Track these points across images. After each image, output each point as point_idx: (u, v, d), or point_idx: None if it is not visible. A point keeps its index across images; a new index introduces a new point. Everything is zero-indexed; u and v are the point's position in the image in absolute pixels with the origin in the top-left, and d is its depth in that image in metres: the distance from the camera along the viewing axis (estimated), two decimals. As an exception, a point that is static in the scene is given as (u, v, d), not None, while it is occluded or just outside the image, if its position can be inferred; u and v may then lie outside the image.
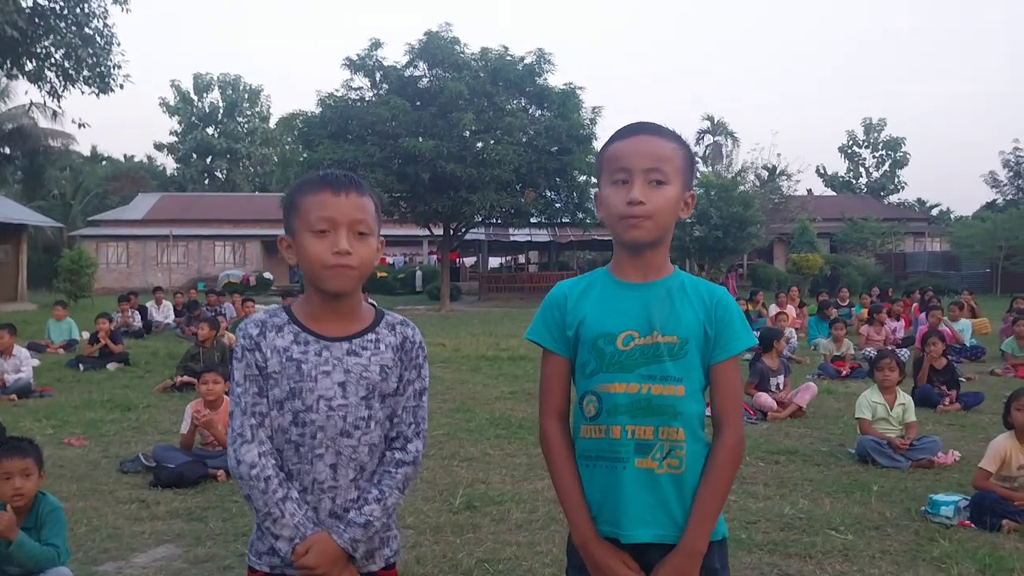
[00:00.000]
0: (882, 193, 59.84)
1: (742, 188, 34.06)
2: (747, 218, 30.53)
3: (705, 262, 32.27)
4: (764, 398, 7.89)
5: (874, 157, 61.67)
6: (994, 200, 55.12)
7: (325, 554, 1.84)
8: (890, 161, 61.16)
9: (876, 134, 61.27)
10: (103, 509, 4.95)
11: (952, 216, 58.55)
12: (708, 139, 52.26)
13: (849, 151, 62.22)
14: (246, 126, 60.56)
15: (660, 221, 1.90)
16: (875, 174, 61.68)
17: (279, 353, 1.90)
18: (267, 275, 38.10)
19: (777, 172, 42.75)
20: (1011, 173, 54.52)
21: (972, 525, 4.54)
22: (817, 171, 62.95)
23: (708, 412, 1.97)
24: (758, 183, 41.62)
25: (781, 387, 8.15)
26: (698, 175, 40.14)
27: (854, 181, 62.01)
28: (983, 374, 10.71)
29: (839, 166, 64.04)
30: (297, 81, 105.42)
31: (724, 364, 1.93)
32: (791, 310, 15.21)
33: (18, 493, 3.51)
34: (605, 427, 1.90)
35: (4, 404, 8.47)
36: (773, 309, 15.53)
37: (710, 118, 52.42)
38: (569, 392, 2.02)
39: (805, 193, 47.67)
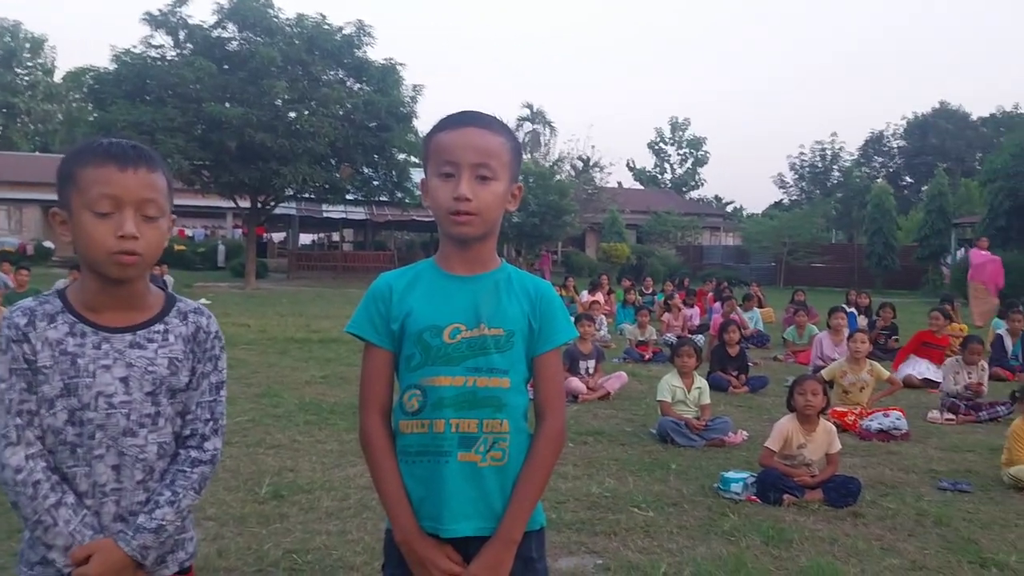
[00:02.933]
0: (684, 189, 63.91)
1: (559, 177, 35.14)
2: (563, 207, 31.57)
3: (522, 247, 33.01)
4: (575, 382, 8.14)
5: (679, 154, 65.69)
6: (781, 200, 60.39)
7: (109, 563, 1.68)
8: (692, 159, 65.35)
9: (681, 132, 65.24)
10: None
11: (744, 213, 63.48)
12: (527, 127, 53.40)
13: (657, 147, 65.85)
14: (27, 79, 55.12)
15: (487, 217, 1.89)
16: (679, 170, 65.71)
17: (51, 346, 1.70)
18: (47, 244, 34.86)
19: (591, 164, 44.47)
20: (796, 175, 60.00)
21: (758, 500, 4.89)
22: (627, 165, 66.28)
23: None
24: (573, 173, 43.10)
25: (591, 371, 8.44)
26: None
27: (660, 176, 65.75)
28: (767, 360, 11.65)
29: (647, 161, 67.62)
30: (88, 34, 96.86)
31: (547, 355, 1.95)
32: (600, 296, 15.85)
33: None
34: (429, 421, 1.86)
35: None
36: (584, 295, 16.14)
37: (529, 106, 53.61)
38: (392, 387, 1.97)
39: (616, 185, 49.91)
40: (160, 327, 1.80)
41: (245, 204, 26.72)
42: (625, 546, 4.14)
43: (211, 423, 1.85)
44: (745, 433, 6.67)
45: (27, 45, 55.44)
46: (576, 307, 15.43)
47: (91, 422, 1.71)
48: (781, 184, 61.53)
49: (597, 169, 44.66)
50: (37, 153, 48.58)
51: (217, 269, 33.99)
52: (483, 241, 1.94)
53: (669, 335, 13.05)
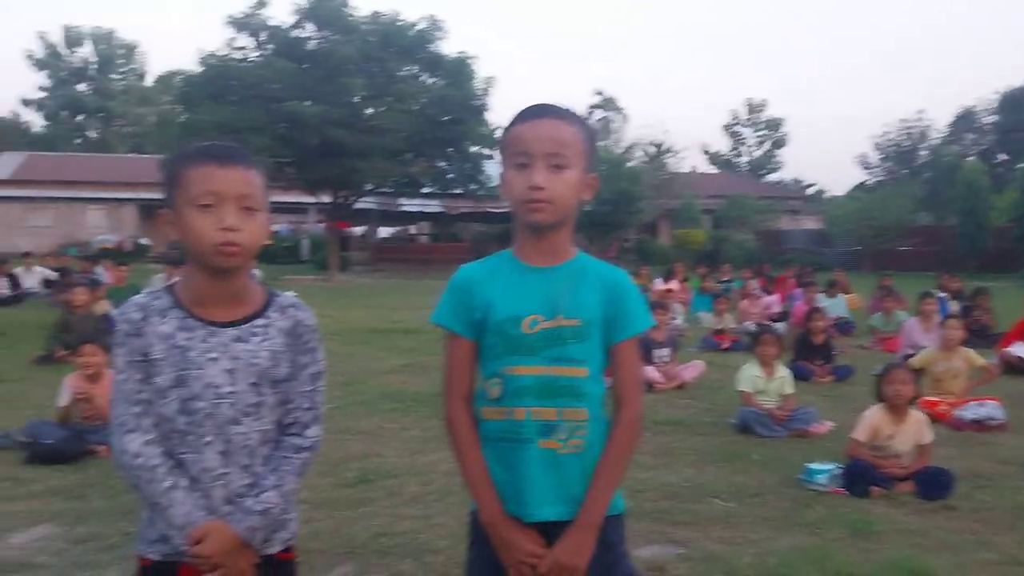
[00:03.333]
0: (761, 172, 62.46)
1: (630, 164, 34.80)
2: (635, 194, 31.27)
3: (594, 236, 32.86)
4: (648, 371, 8.13)
5: (756, 137, 64.17)
6: (865, 181, 58.45)
7: (221, 543, 1.80)
8: (770, 141, 63.79)
9: (758, 114, 63.74)
10: (-29, 489, 4.67)
11: (826, 196, 61.70)
12: (599, 114, 53.01)
13: (732, 130, 64.51)
14: (121, 84, 57.42)
15: (561, 205, 1.93)
16: (756, 153, 64.24)
17: (163, 339, 1.83)
18: (144, 241, 36.37)
19: (664, 149, 43.86)
20: (881, 155, 57.93)
21: (845, 492, 4.81)
22: (702, 149, 65.05)
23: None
24: (646, 159, 42.61)
25: (667, 359, 8.41)
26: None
27: (736, 159, 64.39)
28: (853, 348, 11.36)
29: (723, 144, 66.31)
30: (177, 38, 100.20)
31: (624, 344, 1.99)
32: (675, 284, 15.71)
33: None
34: (509, 409, 1.93)
35: None
36: (658, 283, 16.00)
37: (600, 93, 53.22)
38: (474, 374, 2.04)
39: (690, 170, 49.11)
40: (262, 321, 1.90)
41: (327, 199, 27.37)
42: (706, 536, 4.14)
43: (311, 411, 1.96)
44: (830, 423, 6.55)
45: (120, 51, 57.74)
46: (649, 296, 15.32)
47: (200, 411, 1.82)
48: (865, 165, 59.60)
49: (670, 154, 44.05)
50: (132, 155, 50.60)
51: (302, 263, 34.90)
52: (558, 230, 1.99)
53: (748, 323, 12.84)
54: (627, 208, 31.29)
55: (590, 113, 52.59)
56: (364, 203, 33.25)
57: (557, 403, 1.92)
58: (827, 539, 4.11)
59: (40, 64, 56.31)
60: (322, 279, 26.17)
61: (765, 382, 6.62)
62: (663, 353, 8.43)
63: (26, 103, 58.41)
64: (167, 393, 1.82)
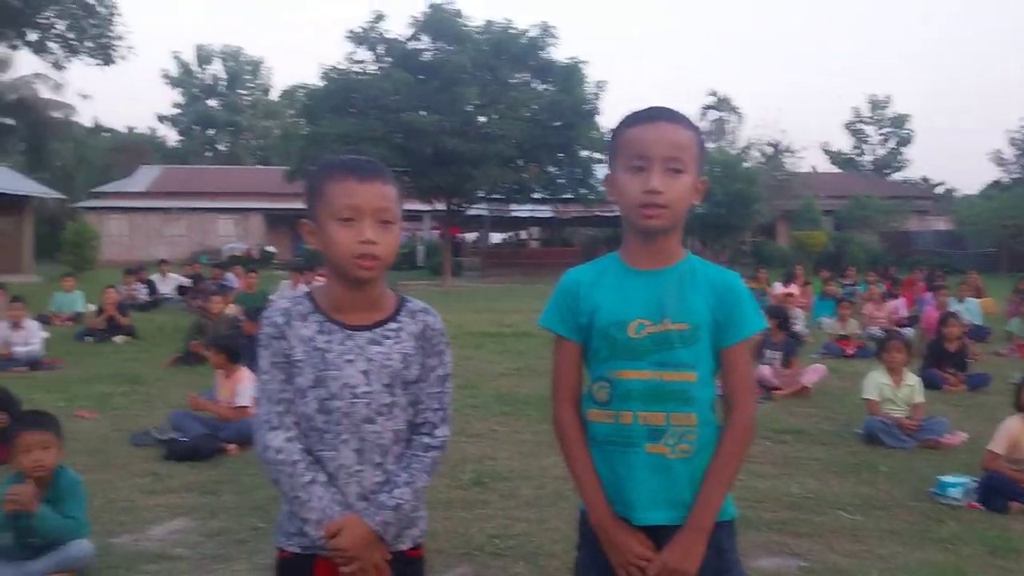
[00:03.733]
0: (886, 171, 59.63)
1: (746, 165, 33.92)
2: (751, 195, 30.46)
3: (708, 239, 32.20)
4: (764, 371, 7.94)
5: (879, 134, 61.33)
6: (999, 179, 54.98)
7: (356, 536, 1.87)
8: (895, 138, 60.85)
9: (882, 111, 60.90)
10: (117, 483, 5.01)
11: (957, 195, 58.40)
12: (712, 115, 51.91)
13: (854, 128, 61.88)
14: (248, 98, 60.36)
15: (676, 210, 1.92)
16: (880, 151, 61.39)
17: (304, 342, 1.92)
18: (269, 248, 38.06)
19: (781, 149, 42.53)
20: (1017, 152, 54.36)
21: (980, 507, 4.57)
22: (822, 148, 62.66)
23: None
24: (762, 160, 41.42)
25: (782, 364, 8.17)
26: (702, 151, 39.93)
27: (859, 158, 61.73)
28: (988, 355, 10.73)
29: (844, 143, 63.66)
30: (299, 54, 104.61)
31: (735, 348, 1.96)
32: (795, 288, 15.21)
33: (38, 466, 3.56)
34: (616, 412, 1.93)
35: (13, 376, 8.49)
36: (777, 287, 15.54)
37: (714, 93, 52.04)
38: (581, 377, 2.05)
39: (809, 170, 47.43)
40: (394, 325, 1.97)
41: (441, 207, 27.95)
42: (830, 549, 4.01)
43: (440, 412, 2.01)
44: (964, 435, 6.21)
45: (248, 67, 60.70)
46: (768, 300, 14.89)
47: (337, 410, 1.90)
48: (999, 161, 56.01)
49: (788, 154, 42.63)
50: (259, 166, 53.10)
51: (416, 268, 35.71)
52: (668, 235, 1.97)
53: (873, 328, 12.30)
54: (743, 210, 30.48)
55: (704, 114, 51.59)
56: (476, 209, 33.76)
57: (665, 408, 1.90)
58: (962, 556, 3.91)
59: (174, 82, 59.84)
60: (436, 284, 26.71)
61: (893, 390, 6.33)
62: (775, 356, 8.19)
63: (161, 119, 62.27)
64: (307, 393, 1.91)
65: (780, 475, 5.24)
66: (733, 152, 37.72)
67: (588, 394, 2.01)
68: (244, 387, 6.05)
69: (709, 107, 51.89)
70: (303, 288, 12.30)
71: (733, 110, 51.31)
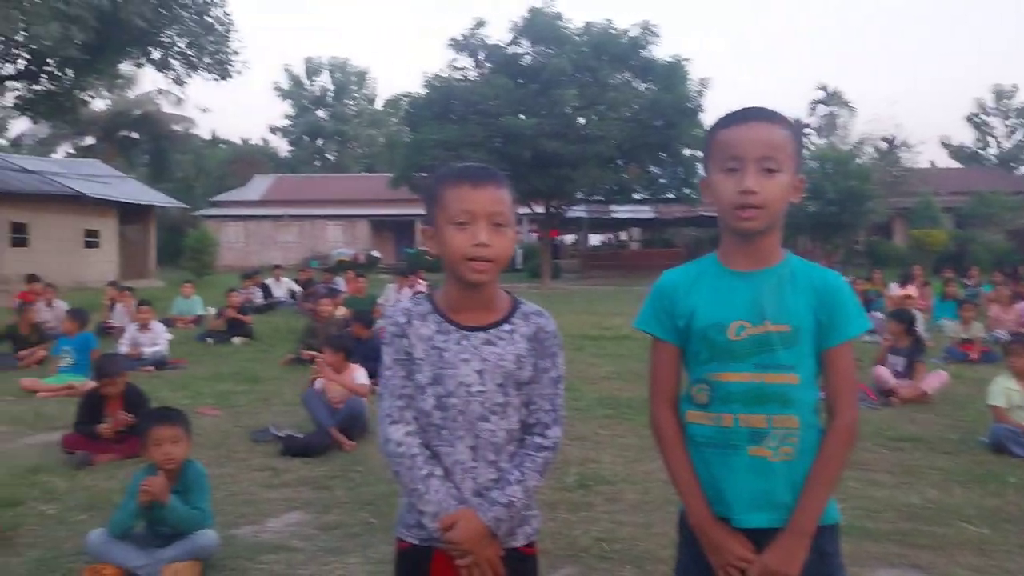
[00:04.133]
0: (1013, 164, 56.21)
1: (859, 161, 32.67)
2: (864, 192, 29.33)
3: (818, 239, 31.18)
4: (881, 371, 7.65)
5: (1005, 126, 57.85)
6: None
7: (471, 530, 1.92)
8: (1023, 130, 57.29)
9: (1007, 101, 57.44)
10: (238, 476, 5.26)
11: (1092, 189, 54.59)
12: (822, 110, 50.25)
13: (977, 120, 58.60)
14: (354, 108, 62.08)
15: (772, 210, 1.89)
16: (1006, 144, 57.91)
17: (423, 341, 1.99)
18: (375, 253, 39.08)
19: (897, 144, 40.78)
20: None
21: (1120, 521, 4.28)
22: (941, 142, 59.63)
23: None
24: (876, 155, 39.82)
25: (899, 368, 7.85)
26: (812, 148, 38.63)
27: (982, 152, 58.43)
28: None
29: (966, 136, 60.42)
30: (403, 63, 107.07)
31: (837, 349, 1.92)
32: (912, 290, 14.56)
33: (168, 458, 3.78)
34: (717, 415, 1.92)
35: (142, 375, 9.00)
36: (894, 289, 14.92)
37: (824, 87, 50.37)
38: (680, 379, 2.04)
39: (928, 166, 45.31)
40: (508, 327, 2.02)
41: (539, 209, 28.06)
42: (953, 562, 3.82)
43: (552, 413, 2.04)
44: (1101, 444, 5.82)
45: (353, 78, 62.49)
46: (884, 302, 14.30)
47: (454, 407, 1.96)
48: None
49: (904, 149, 40.86)
50: (365, 174, 54.62)
51: (516, 271, 35.96)
52: (766, 235, 1.94)
53: (999, 332, 11.64)
54: (856, 208, 29.35)
55: (813, 109, 49.99)
56: (575, 211, 33.73)
57: (767, 410, 1.88)
58: (1099, 574, 3.66)
59: (285, 94, 62.17)
60: (535, 287, 26.82)
61: (1022, 396, 5.99)
62: (897, 361, 7.86)
63: (273, 130, 64.83)
64: (425, 389, 1.97)
65: (898, 484, 5.03)
66: (845, 148, 36.38)
67: (687, 396, 2.01)
68: (358, 375, 6.50)
69: (819, 102, 50.34)
70: (407, 291, 12.63)
71: (844, 104, 49.60)
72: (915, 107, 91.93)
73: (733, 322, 1.91)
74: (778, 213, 1.91)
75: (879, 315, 11.85)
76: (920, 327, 11.65)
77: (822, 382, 1.95)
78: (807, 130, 47.54)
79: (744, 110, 1.95)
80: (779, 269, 1.95)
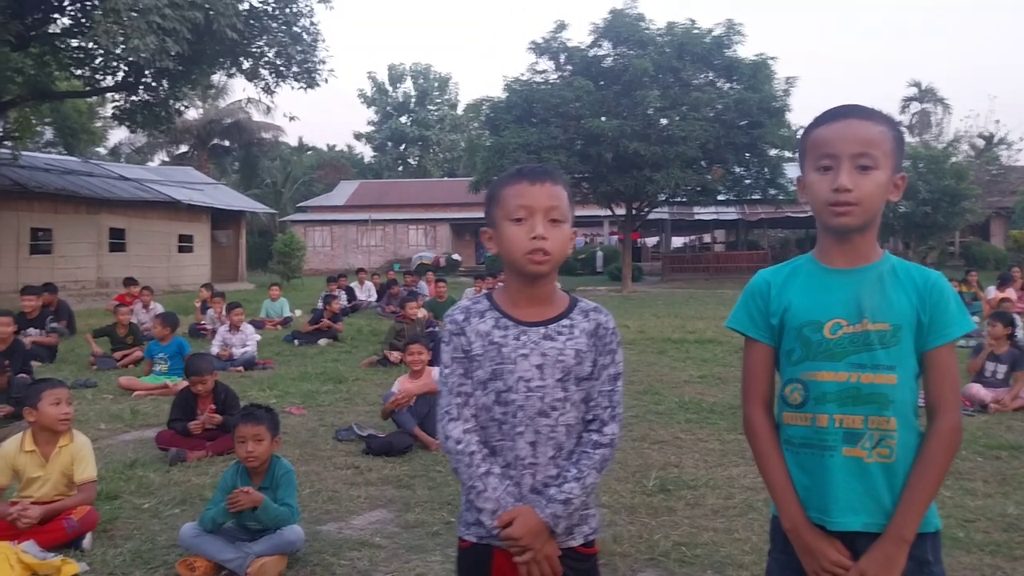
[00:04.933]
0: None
1: (954, 159, 31.37)
2: (960, 192, 28.16)
3: (911, 240, 30.09)
4: (975, 388, 7.31)
5: (1114, 120, 54.65)
6: None
7: (528, 527, 1.93)
8: None
9: (1116, 94, 54.23)
10: (323, 473, 5.40)
11: None
12: (915, 107, 48.46)
13: (1082, 114, 55.51)
14: (436, 113, 62.82)
15: (868, 207, 1.86)
16: (1112, 139, 54.70)
17: (482, 337, 2.01)
18: (456, 256, 39.55)
19: (995, 141, 39.00)
20: None
21: None
22: (1043, 139, 56.70)
23: (922, 402, 1.91)
24: (973, 153, 38.17)
25: (1000, 376, 7.50)
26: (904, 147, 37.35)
27: (1087, 148, 55.35)
28: None
29: (1070, 132, 57.27)
30: (484, 67, 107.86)
31: (940, 350, 1.87)
32: (1011, 293, 13.89)
33: (250, 455, 3.91)
34: (812, 415, 1.89)
35: (233, 375, 9.34)
36: (991, 291, 14.27)
37: (917, 84, 48.57)
38: (773, 379, 2.01)
39: (1028, 163, 43.17)
40: (567, 322, 2.04)
41: (620, 211, 27.88)
42: (1053, 575, 3.67)
43: (609, 410, 2.04)
44: None
45: (436, 84, 63.29)
46: (981, 305, 13.69)
47: (513, 403, 1.98)
48: None
49: (1003, 146, 38.98)
50: (446, 178, 55.33)
51: (596, 274, 35.88)
52: (863, 233, 1.91)
53: (1108, 337, 11.02)
54: (951, 208, 28.20)
55: (905, 106, 48.26)
56: (657, 213, 33.36)
57: (863, 410, 1.84)
58: None
59: (369, 101, 63.39)
60: (615, 290, 26.66)
61: None
62: (998, 369, 7.52)
63: (358, 137, 66.24)
64: (486, 385, 2.00)
65: (995, 493, 4.84)
66: (939, 146, 34.99)
67: (781, 397, 1.97)
68: (436, 375, 6.48)
69: (911, 99, 48.58)
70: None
71: (939, 101, 47.73)
72: (1016, 102, 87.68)
73: (830, 320, 1.88)
74: (874, 211, 1.88)
75: (975, 319, 11.38)
76: (1020, 332, 11.13)
77: (923, 384, 1.90)
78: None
79: (838, 107, 1.93)
80: (879, 266, 1.91)
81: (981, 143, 39.16)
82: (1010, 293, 13.72)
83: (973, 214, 30.03)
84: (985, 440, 6.07)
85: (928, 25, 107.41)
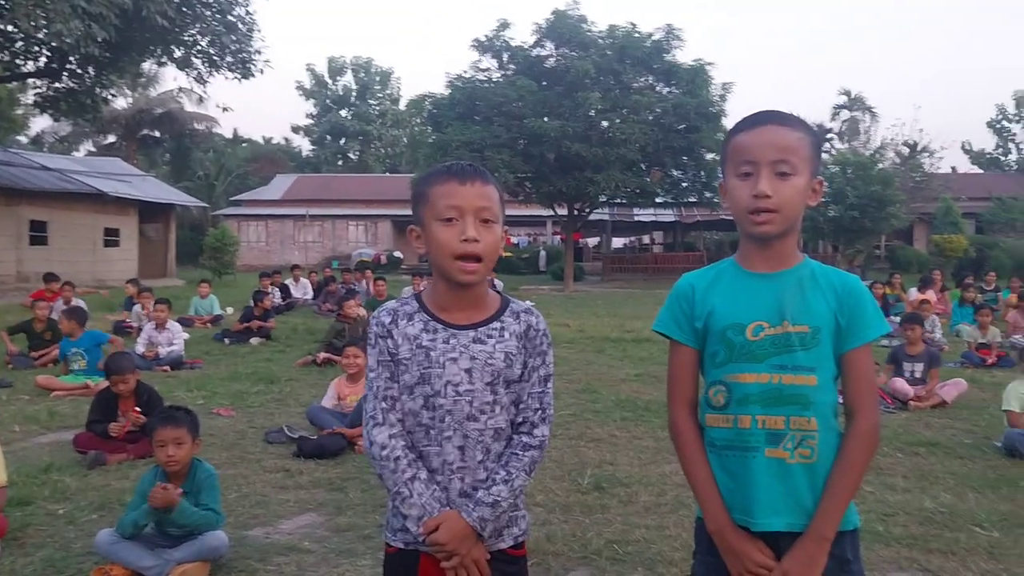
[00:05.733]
0: (1035, 171, 55.41)
1: (881, 166, 32.37)
2: (886, 197, 29.09)
3: (840, 243, 30.94)
4: (899, 383, 7.57)
5: (1027, 133, 57.00)
6: None
7: (454, 531, 1.91)
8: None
9: (1030, 107, 56.60)
10: (251, 477, 5.26)
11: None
12: (844, 114, 49.82)
13: (998, 126, 57.86)
14: (377, 108, 62.20)
15: (787, 213, 1.88)
16: (1027, 150, 57.09)
17: (409, 340, 1.97)
18: (397, 254, 39.22)
19: (919, 149, 40.38)
20: None
21: None
22: (963, 147, 58.94)
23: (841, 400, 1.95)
24: (898, 160, 39.43)
25: (918, 375, 7.78)
26: (833, 152, 38.35)
27: (1003, 158, 57.69)
28: None
29: (987, 142, 59.64)
30: (427, 63, 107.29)
31: (857, 352, 1.90)
32: (931, 295, 14.42)
33: (171, 460, 3.78)
34: (734, 417, 1.90)
35: (158, 375, 9.05)
36: (913, 293, 14.79)
37: (847, 92, 49.94)
38: (698, 382, 2.03)
39: (949, 171, 44.82)
40: (497, 325, 2.01)
41: (563, 212, 28.05)
42: (964, 567, 3.80)
43: (540, 412, 2.03)
44: (1117, 451, 5.76)
45: (377, 78, 62.59)
46: (904, 306, 14.17)
47: (442, 407, 1.95)
48: None
49: (926, 154, 40.38)
50: (387, 174, 54.83)
51: (539, 273, 36.02)
52: (784, 238, 1.93)
53: (1017, 337, 11.53)
54: (877, 213, 29.13)
55: (835, 113, 49.58)
56: (598, 214, 33.68)
57: (785, 411, 1.86)
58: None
59: (308, 93, 62.42)
60: (558, 289, 26.80)
61: (1038, 402, 5.93)
62: (915, 368, 7.79)
63: (295, 130, 65.18)
64: (413, 389, 1.96)
65: (913, 488, 5.00)
66: (867, 153, 36.07)
67: (705, 399, 1.99)
68: None
69: (841, 107, 49.91)
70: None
71: (867, 109, 49.15)
72: (938, 112, 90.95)
73: (752, 322, 1.90)
74: (794, 216, 1.90)
75: (897, 319, 11.77)
76: (938, 332, 11.57)
77: (841, 385, 1.93)
78: (829, 135, 47.20)
79: (757, 114, 1.95)
80: (799, 270, 1.94)
81: (906, 151, 40.46)
82: (930, 295, 14.24)
83: (898, 219, 31.04)
84: (905, 437, 6.27)
85: (858, 35, 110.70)
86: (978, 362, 10.14)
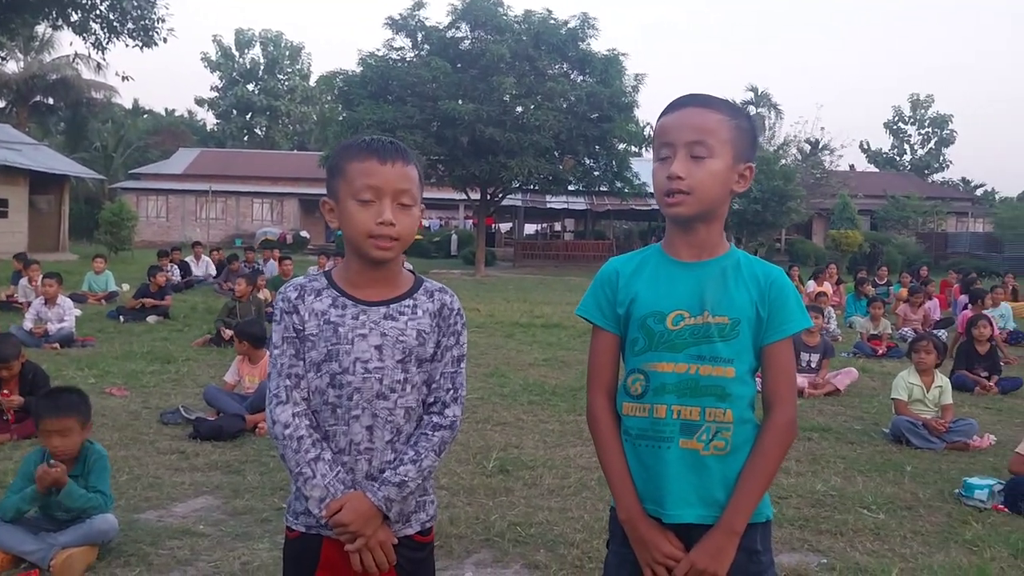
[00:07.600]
0: (926, 171, 58.56)
1: (784, 162, 33.56)
2: (787, 192, 30.15)
3: (743, 235, 31.91)
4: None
5: (920, 134, 60.15)
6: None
7: (359, 512, 1.85)
8: (936, 139, 59.65)
9: (923, 111, 59.70)
10: (144, 459, 5.08)
11: (997, 197, 57.18)
12: (751, 110, 51.30)
13: (895, 127, 60.78)
14: (286, 84, 60.54)
15: (701, 196, 1.85)
16: (920, 152, 60.26)
17: (317, 316, 1.91)
18: (304, 234, 38.42)
19: (820, 146, 42.01)
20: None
21: (1006, 509, 4.50)
22: (861, 147, 61.73)
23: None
24: (800, 157, 40.93)
25: (814, 365, 8.08)
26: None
27: (898, 158, 60.68)
28: (1023, 359, 10.54)
29: (884, 142, 62.56)
30: (338, 40, 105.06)
31: (777, 345, 1.89)
32: (828, 287, 15.03)
33: (57, 451, 3.57)
34: (650, 406, 1.87)
35: (47, 353, 8.66)
36: (810, 285, 15.37)
37: (754, 89, 51.44)
38: (618, 369, 2.00)
39: (847, 169, 46.81)
40: (410, 302, 1.96)
41: (475, 196, 27.98)
42: (852, 547, 3.98)
43: (452, 392, 1.98)
44: (992, 437, 6.13)
45: (287, 53, 60.83)
46: (800, 298, 14.69)
47: (349, 385, 1.88)
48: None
49: (826, 152, 42.09)
50: (295, 151, 53.48)
51: (450, 257, 35.85)
52: (707, 223, 1.91)
53: (906, 329, 12.14)
54: (779, 207, 30.19)
55: (743, 109, 50.96)
56: (511, 200, 33.74)
57: (700, 402, 1.84)
58: (986, 559, 3.86)
59: (213, 66, 60.18)
60: (469, 273, 26.76)
61: (922, 391, 6.25)
62: (812, 358, 8.09)
63: (199, 103, 62.76)
64: (320, 367, 1.89)
65: (805, 472, 5.20)
66: (771, 149, 37.30)
67: (623, 387, 1.96)
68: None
69: (748, 103, 51.35)
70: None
71: (773, 106, 50.73)
72: (838, 112, 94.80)
73: (672, 311, 1.87)
74: (710, 200, 1.87)
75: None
76: (833, 323, 12.06)
77: (760, 377, 1.92)
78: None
79: (681, 97, 1.92)
80: (723, 260, 1.92)
81: (807, 148, 42.03)
82: (826, 287, 14.84)
83: (798, 214, 32.27)
84: (799, 423, 6.46)
85: (764, 33, 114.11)
86: (869, 352, 10.59)
